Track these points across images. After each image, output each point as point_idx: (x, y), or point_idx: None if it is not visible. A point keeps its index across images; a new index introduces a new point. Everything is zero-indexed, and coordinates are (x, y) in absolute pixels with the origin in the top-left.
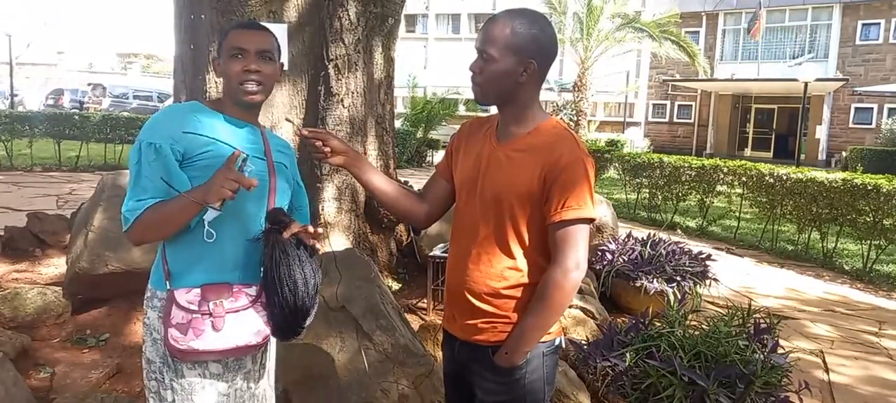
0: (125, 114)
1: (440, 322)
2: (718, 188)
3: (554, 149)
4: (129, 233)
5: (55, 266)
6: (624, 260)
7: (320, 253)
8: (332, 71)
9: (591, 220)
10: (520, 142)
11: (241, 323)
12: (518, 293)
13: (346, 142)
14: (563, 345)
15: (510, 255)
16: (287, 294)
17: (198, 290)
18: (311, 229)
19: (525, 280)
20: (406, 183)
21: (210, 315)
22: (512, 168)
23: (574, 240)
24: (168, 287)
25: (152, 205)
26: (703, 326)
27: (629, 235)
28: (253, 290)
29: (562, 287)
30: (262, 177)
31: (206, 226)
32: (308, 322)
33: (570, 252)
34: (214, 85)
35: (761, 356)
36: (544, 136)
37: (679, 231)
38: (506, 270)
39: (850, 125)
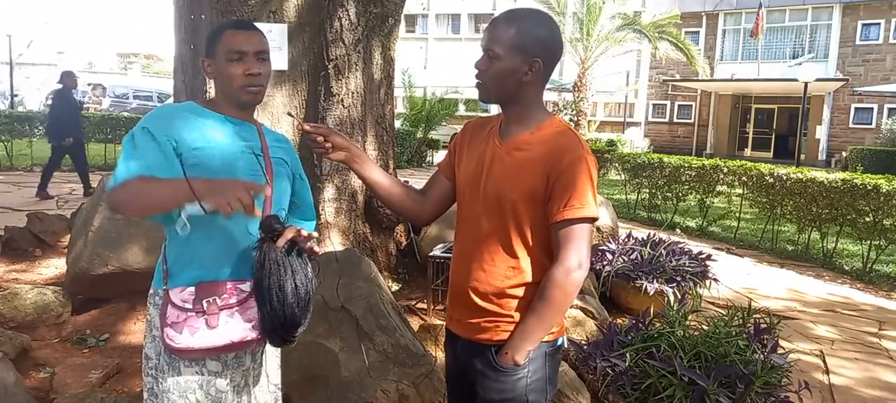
0: (125, 114)
1: (440, 322)
2: (718, 188)
3: (557, 147)
4: (112, 193)
5: (55, 266)
6: (624, 260)
7: (319, 254)
8: (331, 71)
9: (593, 219)
10: (523, 141)
11: (236, 319)
12: (521, 292)
13: (347, 138)
14: (566, 345)
15: (513, 254)
16: (275, 304)
17: (191, 289)
18: (304, 233)
19: (528, 279)
20: (406, 183)
21: (204, 312)
22: (515, 167)
23: (577, 239)
24: (165, 286)
25: (146, 175)
26: (703, 326)
27: (629, 235)
28: (247, 286)
29: (564, 286)
30: (256, 174)
31: (183, 217)
32: (299, 331)
33: (573, 251)
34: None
35: (761, 356)
36: (547, 135)
37: (679, 231)
38: (509, 269)
39: (850, 125)
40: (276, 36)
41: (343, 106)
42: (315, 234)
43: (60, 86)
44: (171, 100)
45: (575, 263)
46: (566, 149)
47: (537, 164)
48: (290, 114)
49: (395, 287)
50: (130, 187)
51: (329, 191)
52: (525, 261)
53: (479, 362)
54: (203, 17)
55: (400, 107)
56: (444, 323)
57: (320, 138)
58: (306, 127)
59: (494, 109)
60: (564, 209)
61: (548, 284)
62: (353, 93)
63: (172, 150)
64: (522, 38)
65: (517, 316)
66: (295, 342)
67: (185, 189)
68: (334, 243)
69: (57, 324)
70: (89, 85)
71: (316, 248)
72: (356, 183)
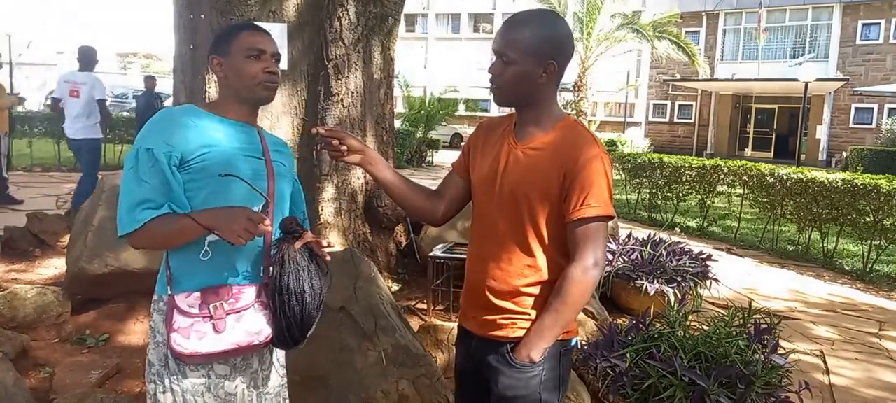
0: (125, 114)
1: (440, 322)
2: (719, 188)
3: (572, 147)
4: (129, 239)
5: (55, 266)
6: (624, 260)
7: (329, 260)
8: (331, 71)
9: (609, 217)
10: (538, 140)
11: (243, 323)
12: (537, 290)
13: (361, 141)
14: (579, 346)
15: (529, 253)
16: (294, 304)
17: (197, 294)
18: (323, 242)
19: (544, 277)
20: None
21: (211, 317)
22: (530, 166)
23: (593, 238)
24: (169, 292)
25: (158, 218)
26: (704, 327)
27: (630, 236)
28: (253, 290)
29: (580, 284)
30: (259, 176)
31: (206, 246)
32: (310, 333)
33: (589, 249)
34: (214, 85)
35: (762, 356)
36: (562, 135)
37: (679, 231)
38: (525, 268)
39: (851, 125)
40: (275, 36)
41: (343, 105)
42: (332, 243)
43: (145, 89)
44: (170, 100)
45: (591, 261)
46: (581, 148)
47: (553, 164)
48: (304, 119)
49: (395, 287)
50: (146, 235)
51: (329, 191)
52: (541, 260)
53: (494, 359)
54: (203, 16)
55: (399, 107)
56: (446, 323)
57: (335, 141)
58: (321, 130)
59: (494, 109)
60: (580, 208)
61: (565, 282)
62: (352, 92)
63: (175, 164)
64: (536, 41)
65: (533, 313)
66: (304, 344)
67: (196, 227)
68: (333, 243)
69: (57, 324)
70: None
71: (327, 257)
72: (356, 183)
